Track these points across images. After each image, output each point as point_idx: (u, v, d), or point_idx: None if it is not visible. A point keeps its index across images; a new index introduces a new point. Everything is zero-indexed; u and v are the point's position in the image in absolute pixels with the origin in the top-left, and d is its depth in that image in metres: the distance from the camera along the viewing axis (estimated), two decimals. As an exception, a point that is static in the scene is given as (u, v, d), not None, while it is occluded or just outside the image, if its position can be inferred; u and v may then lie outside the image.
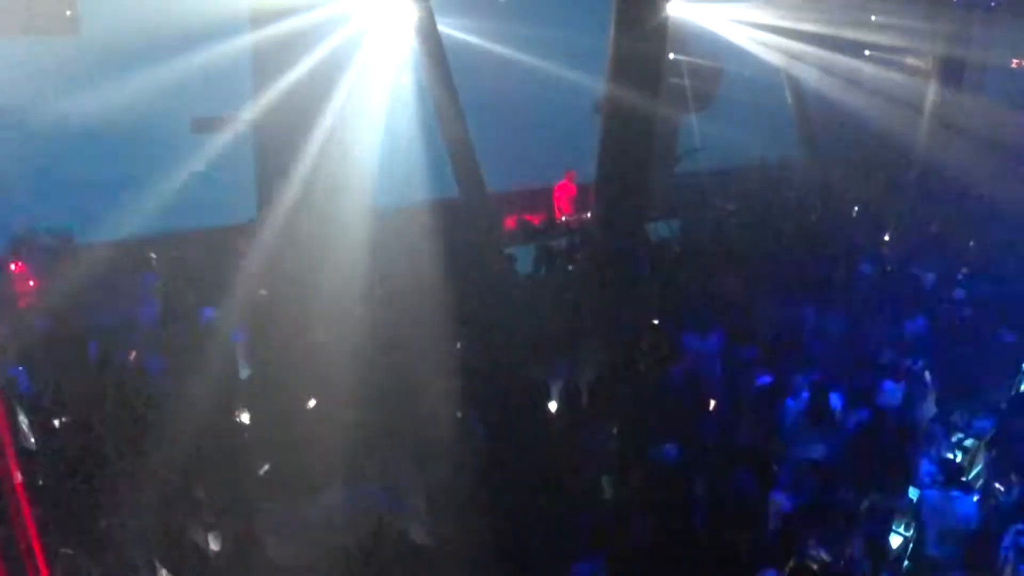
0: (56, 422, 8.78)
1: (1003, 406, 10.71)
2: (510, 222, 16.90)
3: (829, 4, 18.39)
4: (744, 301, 13.19)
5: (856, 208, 18.75)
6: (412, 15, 13.26)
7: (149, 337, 10.87)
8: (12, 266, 12.28)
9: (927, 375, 10.87)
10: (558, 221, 17.67)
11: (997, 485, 9.06)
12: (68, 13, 12.57)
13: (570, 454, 9.40)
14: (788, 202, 18.74)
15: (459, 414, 9.82)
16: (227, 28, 14.43)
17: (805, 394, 10.05)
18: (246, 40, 14.36)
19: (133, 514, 7.71)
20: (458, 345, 11.35)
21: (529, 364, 11.15)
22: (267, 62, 13.92)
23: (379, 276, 13.15)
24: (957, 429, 9.95)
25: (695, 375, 10.99)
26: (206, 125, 14.42)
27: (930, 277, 14.67)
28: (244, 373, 10.79)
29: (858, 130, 20.00)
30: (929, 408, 10.51)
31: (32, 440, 8.22)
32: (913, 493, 9.01)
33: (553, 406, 10.61)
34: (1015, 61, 25.22)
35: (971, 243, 16.98)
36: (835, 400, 10.04)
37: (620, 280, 12.94)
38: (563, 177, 18.09)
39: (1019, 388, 11.42)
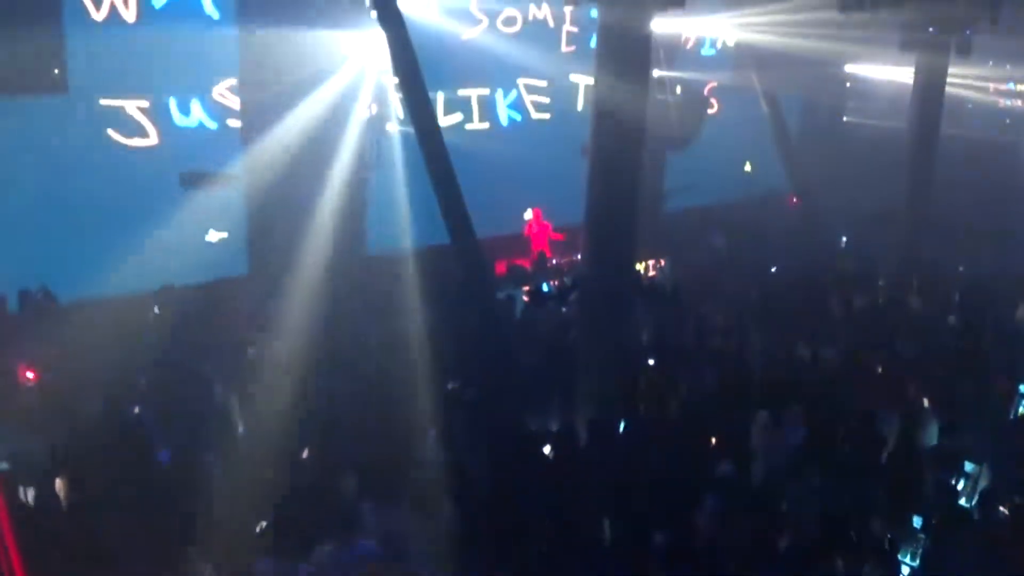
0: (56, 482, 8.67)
1: (1003, 429, 10.71)
2: (500, 267, 16.95)
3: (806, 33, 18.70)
4: (738, 338, 13.22)
5: (845, 239, 18.93)
6: (394, 61, 13.37)
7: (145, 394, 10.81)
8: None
9: (925, 401, 10.87)
10: (549, 265, 17.74)
11: (1001, 509, 9.02)
12: (56, 72, 12.63)
13: (570, 497, 9.31)
14: (777, 236, 18.86)
15: (456, 459, 9.73)
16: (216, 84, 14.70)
17: (803, 429, 10.02)
18: (234, 94, 14.53)
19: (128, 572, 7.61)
20: (451, 387, 11.29)
21: (525, 408, 11.11)
22: (255, 116, 14.02)
23: (373, 324, 13.14)
24: (958, 454, 9.91)
25: (693, 413, 10.95)
26: (195, 180, 14.46)
27: (922, 304, 14.78)
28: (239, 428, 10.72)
29: (845, 161, 20.24)
30: (929, 434, 10.49)
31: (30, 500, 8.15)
32: (917, 521, 8.95)
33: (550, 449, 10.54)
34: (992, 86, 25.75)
35: (961, 268, 17.15)
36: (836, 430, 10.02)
37: (613, 321, 12.93)
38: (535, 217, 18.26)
39: (1017, 411, 11.42)
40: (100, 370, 10.71)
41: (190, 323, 12.44)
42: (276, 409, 10.41)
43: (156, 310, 13.04)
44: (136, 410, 10.40)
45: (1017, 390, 11.60)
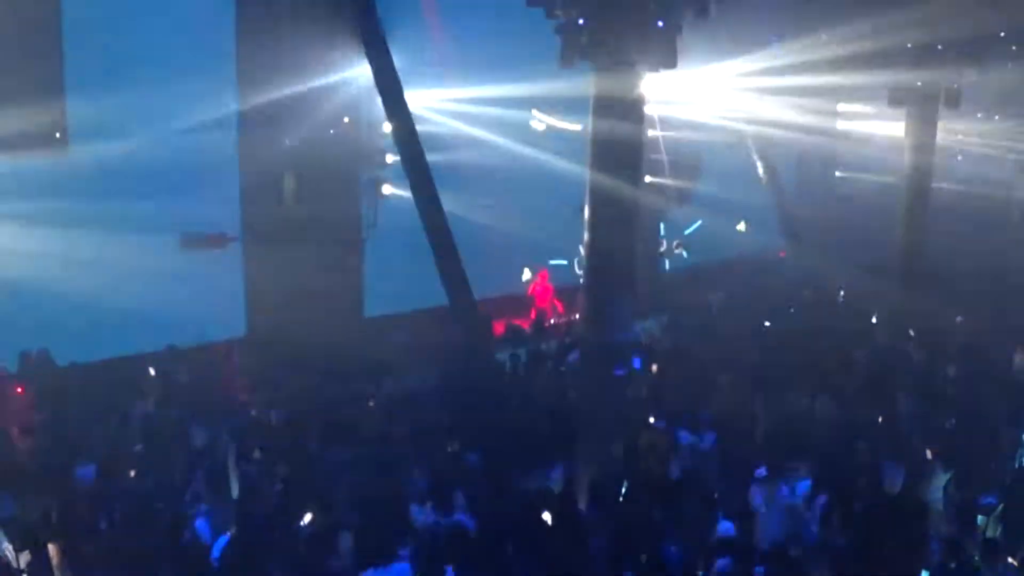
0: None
1: (1008, 481, 10.61)
2: (499, 327, 16.95)
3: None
4: (738, 395, 13.17)
5: (842, 293, 18.99)
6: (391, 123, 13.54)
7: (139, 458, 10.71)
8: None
9: (928, 453, 10.78)
10: (547, 325, 17.75)
11: (1010, 560, 8.89)
12: (57, 135, 12.77)
13: (573, 558, 9.18)
14: (774, 293, 18.92)
15: (456, 521, 9.62)
16: (216, 146, 14.86)
17: (805, 483, 9.93)
18: (234, 156, 14.65)
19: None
20: (451, 449, 11.21)
21: (525, 469, 11.01)
22: (254, 177, 14.13)
23: (372, 386, 13.10)
24: (963, 507, 9.79)
25: (694, 473, 10.86)
26: (195, 241, 14.53)
27: (921, 355, 14.76)
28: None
29: (839, 216, 20.41)
30: (934, 487, 10.38)
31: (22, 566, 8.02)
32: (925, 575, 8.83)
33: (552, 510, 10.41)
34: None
35: (959, 319, 17.18)
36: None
37: (612, 380, 12.89)
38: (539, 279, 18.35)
39: (1021, 461, 11.33)
40: (95, 432, 10.65)
41: (187, 385, 12.40)
42: (272, 473, 10.33)
43: (152, 372, 13.01)
44: (131, 474, 10.28)
45: (1020, 440, 11.51)
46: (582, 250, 12.16)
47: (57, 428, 11.02)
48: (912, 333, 16.14)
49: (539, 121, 19.79)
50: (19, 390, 12.19)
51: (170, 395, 12.24)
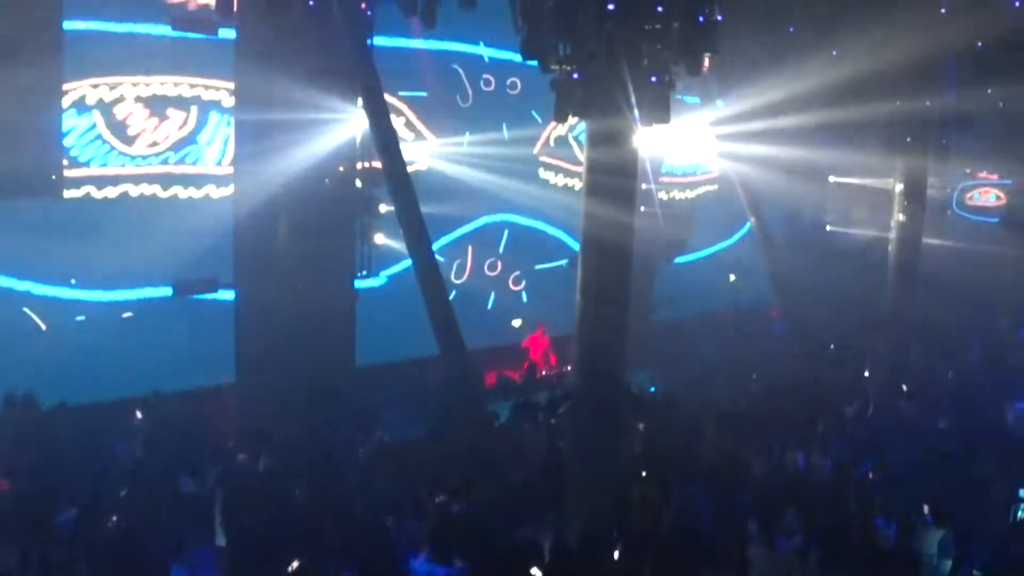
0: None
1: (1002, 534, 10.56)
2: (490, 378, 16.90)
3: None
4: (730, 448, 13.11)
5: (833, 346, 19.03)
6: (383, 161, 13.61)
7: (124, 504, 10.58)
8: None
9: (925, 509, 10.73)
10: (539, 375, 17.70)
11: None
12: (53, 177, 12.79)
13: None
14: (766, 346, 18.94)
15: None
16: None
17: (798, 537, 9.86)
18: (228, 204, 14.72)
19: None
20: (438, 500, 11.11)
21: (516, 522, 10.91)
22: (247, 223, 14.14)
23: (360, 435, 13.02)
24: (959, 560, 9.73)
25: (687, 525, 10.77)
26: (189, 288, 14.51)
27: (913, 408, 14.76)
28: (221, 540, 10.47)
29: (831, 271, 20.53)
30: (929, 541, 10.31)
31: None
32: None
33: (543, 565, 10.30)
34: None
35: (950, 373, 17.22)
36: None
37: (604, 432, 12.82)
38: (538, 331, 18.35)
39: (1015, 516, 11.28)
40: (78, 476, 10.54)
41: (172, 430, 12.30)
42: (260, 520, 10.21)
43: (139, 415, 12.90)
44: (113, 519, 10.14)
45: (1016, 495, 11.47)
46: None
47: (40, 471, 10.87)
48: (904, 387, 16.15)
49: (545, 170, 20.03)
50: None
51: (156, 439, 12.14)
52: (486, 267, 18.83)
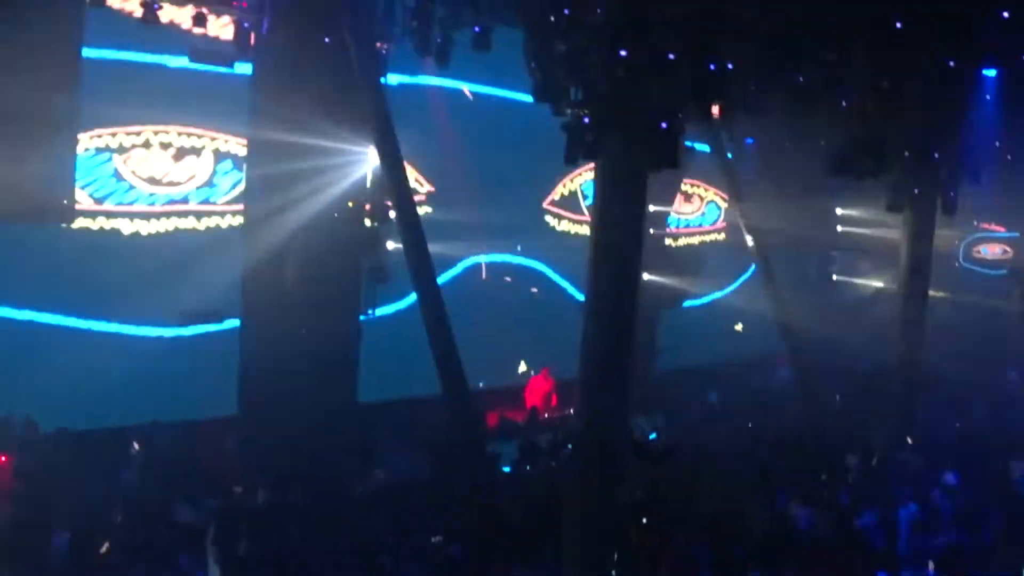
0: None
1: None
2: (492, 419, 16.81)
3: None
4: (730, 498, 13.00)
5: (839, 398, 18.93)
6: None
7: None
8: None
9: (930, 566, 10.60)
10: (540, 418, 17.59)
11: None
12: (64, 202, 12.86)
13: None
14: (771, 397, 18.85)
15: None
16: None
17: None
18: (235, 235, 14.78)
19: None
20: (436, 540, 11.02)
21: (515, 565, 10.81)
22: (256, 257, 14.18)
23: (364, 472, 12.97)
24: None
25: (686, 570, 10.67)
26: (195, 317, 14.52)
27: (919, 462, 14.63)
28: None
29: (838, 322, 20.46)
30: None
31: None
32: None
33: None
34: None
35: (957, 425, 17.11)
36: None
37: (604, 477, 12.73)
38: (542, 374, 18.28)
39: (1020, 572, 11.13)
40: (75, 502, 10.48)
41: (171, 460, 12.25)
42: (255, 554, 10.14)
43: (136, 446, 12.85)
44: (106, 546, 10.08)
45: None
46: None
47: (36, 496, 10.81)
48: (910, 440, 16.04)
49: (553, 217, 20.12)
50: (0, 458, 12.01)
51: (155, 467, 12.09)
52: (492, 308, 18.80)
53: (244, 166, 14.94)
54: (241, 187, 15.18)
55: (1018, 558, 11.32)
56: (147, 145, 14.54)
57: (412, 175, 17.30)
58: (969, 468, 14.34)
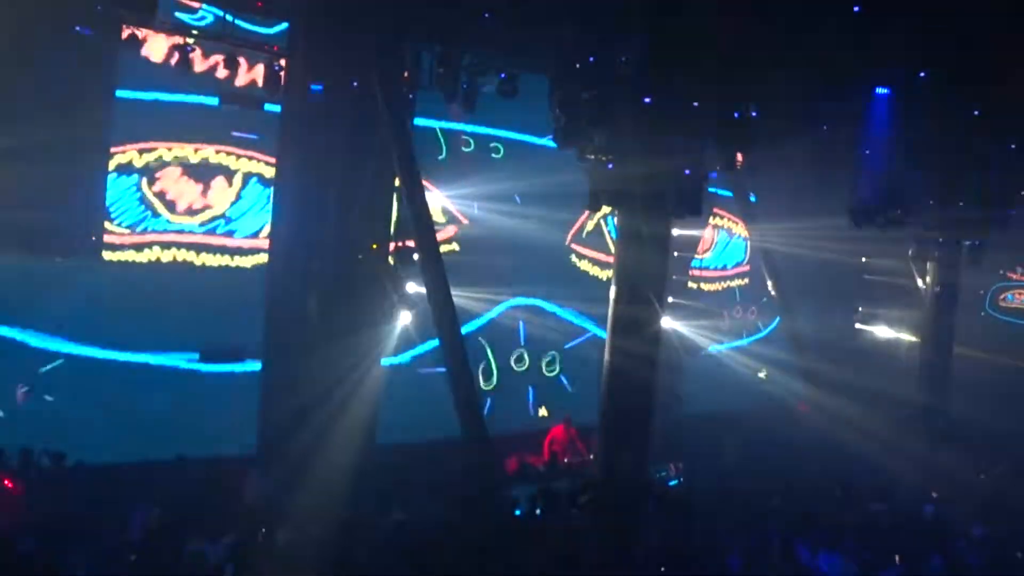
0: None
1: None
2: (512, 464, 16.70)
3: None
4: (754, 548, 12.84)
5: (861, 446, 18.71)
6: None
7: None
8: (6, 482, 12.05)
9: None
10: (560, 464, 17.45)
11: None
12: (93, 238, 13.01)
13: None
14: (792, 442, 18.64)
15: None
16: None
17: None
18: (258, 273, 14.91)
19: None
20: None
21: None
22: (279, 296, 14.28)
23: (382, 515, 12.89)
24: None
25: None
26: (215, 356, 14.61)
27: (944, 513, 14.41)
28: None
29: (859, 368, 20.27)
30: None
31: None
32: None
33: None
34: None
35: (981, 476, 16.85)
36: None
37: (623, 525, 12.62)
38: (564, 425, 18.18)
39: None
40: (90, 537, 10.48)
41: (191, 497, 12.23)
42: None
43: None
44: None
45: None
46: None
47: (51, 529, 10.81)
48: (935, 494, 15.80)
49: (577, 258, 20.17)
50: (9, 483, 12.02)
51: (173, 503, 12.08)
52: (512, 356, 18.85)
53: (270, 202, 15.08)
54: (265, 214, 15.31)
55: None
56: (174, 165, 14.70)
57: (451, 209, 17.56)
58: (994, 521, 14.14)
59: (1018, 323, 28.20)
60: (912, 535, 13.52)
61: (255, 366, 14.68)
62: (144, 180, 14.40)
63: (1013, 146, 15.24)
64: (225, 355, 14.81)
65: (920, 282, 19.48)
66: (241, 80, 14.48)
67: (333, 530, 11.87)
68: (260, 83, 14.04)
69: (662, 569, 12.31)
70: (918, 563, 12.39)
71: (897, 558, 12.55)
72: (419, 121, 15.38)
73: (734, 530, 13.50)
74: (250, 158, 15.35)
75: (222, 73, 13.72)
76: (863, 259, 24.42)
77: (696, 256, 22.30)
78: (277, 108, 14.47)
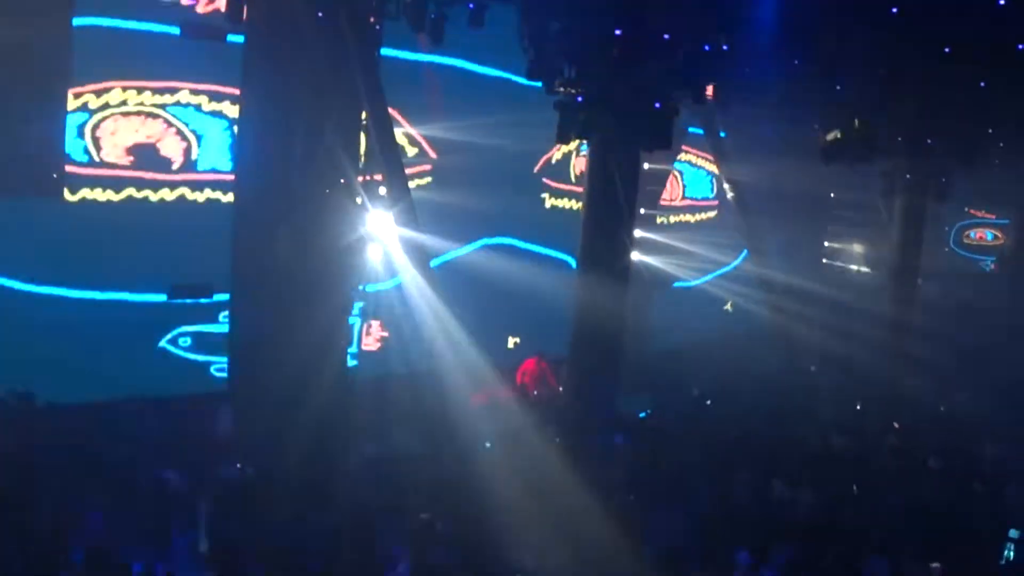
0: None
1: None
2: (481, 396, 16.81)
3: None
4: (718, 477, 13.10)
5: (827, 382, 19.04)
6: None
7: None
8: None
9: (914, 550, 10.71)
10: (530, 396, 17.60)
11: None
12: (55, 176, 12.78)
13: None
14: (759, 377, 18.92)
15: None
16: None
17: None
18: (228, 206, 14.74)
19: None
20: (423, 516, 11.07)
21: (500, 542, 10.86)
22: (247, 232, 14.14)
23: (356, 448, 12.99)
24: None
25: (672, 552, 10.74)
26: (184, 292, 14.50)
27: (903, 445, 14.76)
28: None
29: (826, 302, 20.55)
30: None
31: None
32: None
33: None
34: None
35: (942, 408, 17.25)
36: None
37: (592, 455, 12.79)
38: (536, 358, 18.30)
39: (1008, 557, 11.25)
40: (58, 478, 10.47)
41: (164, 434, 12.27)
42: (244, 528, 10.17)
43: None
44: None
45: (1006, 534, 11.45)
46: None
47: (18, 467, 10.80)
48: (896, 425, 16.15)
49: (546, 192, 20.10)
50: None
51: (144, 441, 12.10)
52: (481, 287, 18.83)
53: (235, 139, 14.83)
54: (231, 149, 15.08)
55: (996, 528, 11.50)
56: (133, 104, 14.33)
57: (420, 141, 17.36)
58: (953, 452, 14.49)
59: (979, 258, 28.73)
60: (873, 467, 13.83)
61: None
62: (104, 119, 14.10)
63: (983, 84, 15.25)
64: (194, 291, 14.70)
65: (887, 217, 19.66)
66: (203, 8, 14.12)
67: (307, 463, 11.94)
68: (223, 8, 13.66)
69: (631, 497, 12.53)
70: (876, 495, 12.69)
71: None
72: (386, 52, 15.09)
73: (701, 462, 13.76)
74: (212, 95, 15.07)
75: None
76: (831, 195, 24.63)
77: (665, 190, 22.33)
78: (240, 39, 14.14)
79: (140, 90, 14.33)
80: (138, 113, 14.37)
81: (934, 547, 10.77)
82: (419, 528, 10.84)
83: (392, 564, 9.86)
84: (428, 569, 9.83)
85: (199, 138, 15.04)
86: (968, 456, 14.59)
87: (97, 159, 14.06)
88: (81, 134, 13.84)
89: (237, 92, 14.57)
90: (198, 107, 14.97)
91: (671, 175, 22.29)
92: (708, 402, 17.90)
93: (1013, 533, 11.44)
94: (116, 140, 14.19)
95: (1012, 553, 11.36)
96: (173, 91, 14.67)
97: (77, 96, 13.58)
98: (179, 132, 14.86)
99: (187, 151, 14.96)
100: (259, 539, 10.05)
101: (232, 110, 14.95)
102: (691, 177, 23.96)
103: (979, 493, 12.97)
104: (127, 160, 14.37)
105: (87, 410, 12.88)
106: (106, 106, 14.02)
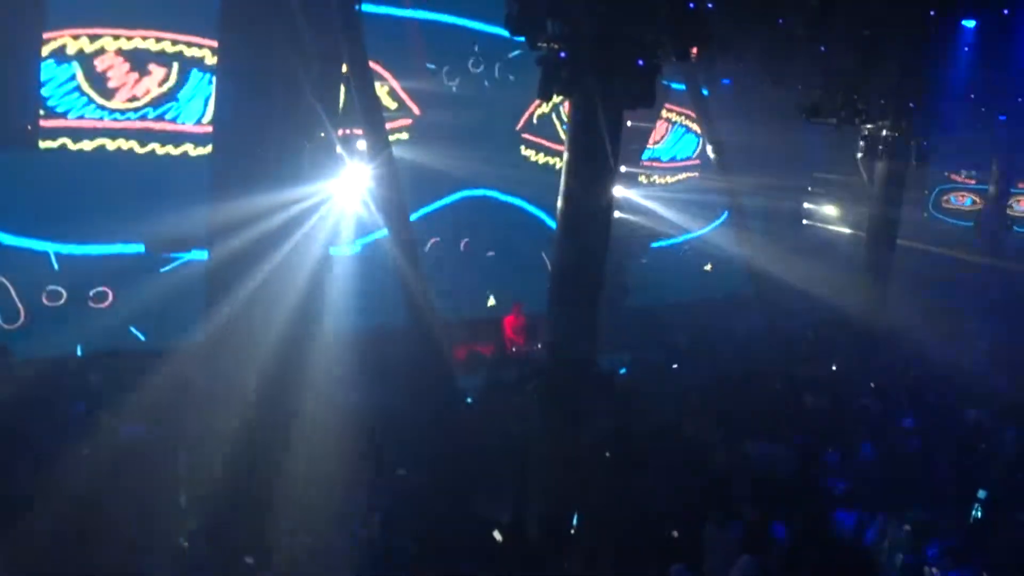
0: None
1: (961, 534, 10.73)
2: (460, 352, 16.86)
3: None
4: (696, 437, 13.21)
5: (803, 341, 19.17)
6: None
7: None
8: None
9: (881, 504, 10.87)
10: (508, 352, 17.67)
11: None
12: (28, 127, 12.57)
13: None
14: (737, 337, 19.05)
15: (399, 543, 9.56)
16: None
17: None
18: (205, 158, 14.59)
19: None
20: (401, 472, 11.13)
21: (477, 497, 10.96)
22: (224, 185, 14.00)
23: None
24: (915, 557, 9.86)
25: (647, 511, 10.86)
26: (162, 246, 14.38)
27: (878, 406, 14.92)
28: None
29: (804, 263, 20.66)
30: (885, 537, 10.44)
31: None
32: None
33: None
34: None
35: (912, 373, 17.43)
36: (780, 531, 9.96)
37: (570, 412, 12.84)
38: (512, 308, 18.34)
39: (976, 515, 11.45)
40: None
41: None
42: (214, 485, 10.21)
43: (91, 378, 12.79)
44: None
45: (975, 494, 11.65)
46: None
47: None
48: (872, 385, 16.32)
49: (526, 147, 20.00)
50: None
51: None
52: (462, 242, 18.81)
53: (213, 92, 14.65)
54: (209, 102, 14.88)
55: (970, 493, 11.69)
56: (109, 52, 14.09)
57: (402, 96, 17.21)
58: (925, 413, 14.67)
59: (958, 223, 28.91)
60: (848, 425, 13.99)
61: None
62: (80, 66, 13.86)
63: (966, 48, 15.26)
64: (172, 245, 14.58)
65: (867, 179, 19.70)
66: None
67: (284, 416, 11.96)
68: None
69: (607, 454, 12.63)
70: (852, 451, 12.86)
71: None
72: (368, 8, 14.91)
73: (678, 418, 13.88)
74: (190, 44, 14.83)
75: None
76: (812, 157, 24.62)
77: (648, 147, 22.28)
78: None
79: (116, 37, 14.10)
80: (119, 58, 14.15)
81: (904, 505, 10.94)
82: (394, 481, 10.90)
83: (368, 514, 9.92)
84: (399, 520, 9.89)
85: (179, 88, 14.84)
86: (946, 419, 14.75)
87: (74, 110, 13.88)
88: (75, 78, 13.62)
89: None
90: (178, 54, 14.75)
91: (654, 130, 22.24)
92: (689, 355, 18.04)
93: (981, 494, 11.64)
94: (94, 87, 13.99)
95: (980, 512, 11.56)
96: (157, 40, 14.45)
97: (52, 42, 13.33)
98: (161, 81, 14.66)
99: (166, 100, 14.76)
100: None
101: (213, 61, 14.75)
102: (673, 136, 23.90)
103: (951, 454, 13.15)
104: (106, 106, 14.20)
105: (64, 363, 12.84)
106: (81, 53, 13.80)
